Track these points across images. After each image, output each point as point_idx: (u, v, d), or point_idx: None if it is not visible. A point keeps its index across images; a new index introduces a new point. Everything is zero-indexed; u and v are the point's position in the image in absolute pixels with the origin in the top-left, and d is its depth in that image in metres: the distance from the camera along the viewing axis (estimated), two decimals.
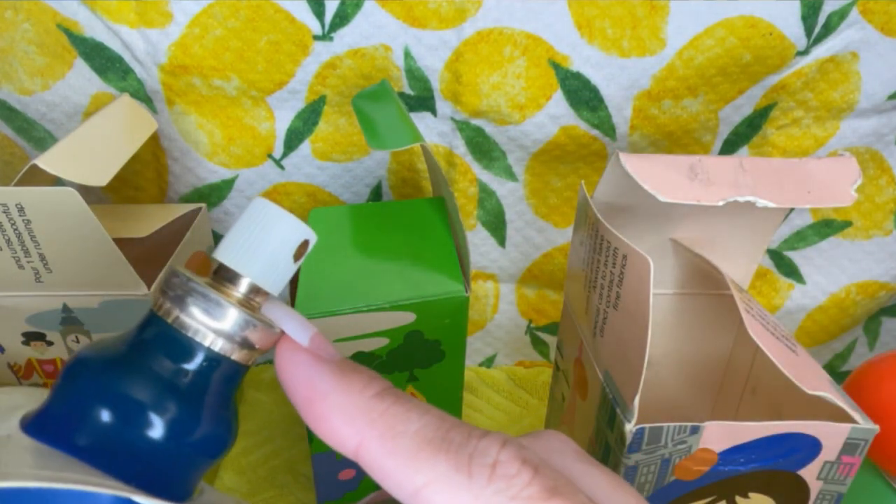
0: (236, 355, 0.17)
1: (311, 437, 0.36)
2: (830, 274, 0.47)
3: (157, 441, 0.16)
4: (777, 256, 0.47)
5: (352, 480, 0.39)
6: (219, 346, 0.17)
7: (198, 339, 0.16)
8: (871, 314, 0.50)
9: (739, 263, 0.33)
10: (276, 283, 0.17)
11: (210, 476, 0.41)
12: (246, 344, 0.17)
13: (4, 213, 0.29)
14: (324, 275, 0.33)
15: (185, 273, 0.17)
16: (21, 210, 0.29)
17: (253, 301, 0.17)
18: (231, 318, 0.16)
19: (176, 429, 0.16)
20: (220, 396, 0.17)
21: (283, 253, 0.17)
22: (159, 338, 0.17)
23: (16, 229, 0.29)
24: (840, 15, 0.38)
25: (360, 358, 0.33)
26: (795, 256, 0.47)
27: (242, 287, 0.17)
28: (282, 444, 0.45)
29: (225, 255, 0.17)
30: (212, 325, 0.16)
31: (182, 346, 0.16)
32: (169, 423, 0.16)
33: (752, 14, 0.38)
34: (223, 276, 0.17)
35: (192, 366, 0.17)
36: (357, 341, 0.33)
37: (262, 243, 0.17)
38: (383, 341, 0.33)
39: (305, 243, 0.17)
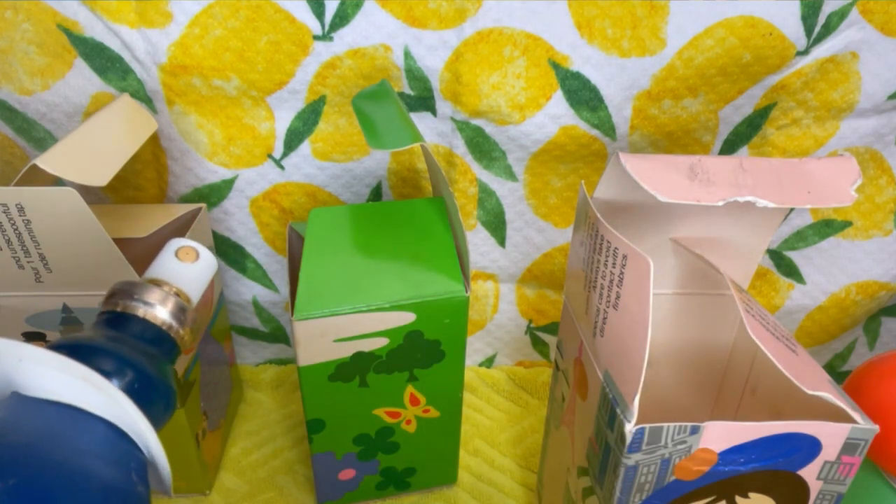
0: (169, 329, 0.23)
1: (310, 437, 0.36)
2: (830, 274, 0.47)
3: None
4: (777, 256, 0.47)
5: (351, 480, 0.39)
6: (152, 318, 0.22)
7: (135, 313, 0.22)
8: (871, 314, 0.50)
9: (739, 263, 0.33)
10: (177, 277, 0.24)
11: (210, 477, 0.41)
12: (178, 322, 0.23)
13: (4, 213, 0.29)
14: (324, 275, 0.33)
15: (126, 280, 0.23)
16: (21, 210, 0.29)
17: (179, 296, 0.24)
18: (156, 299, 0.23)
19: (131, 385, 0.21)
20: (161, 367, 0.22)
21: (170, 256, 0.24)
22: (114, 324, 0.22)
23: (16, 229, 0.29)
24: (840, 15, 0.38)
25: (360, 358, 0.33)
26: (795, 256, 0.47)
27: (165, 287, 0.24)
28: (282, 444, 0.45)
29: (146, 273, 0.24)
30: (143, 306, 0.22)
31: (125, 321, 0.22)
32: (127, 381, 0.20)
33: (752, 14, 0.38)
34: (153, 283, 0.24)
35: (129, 334, 0.22)
36: (357, 341, 0.33)
37: (161, 256, 0.25)
38: (383, 341, 0.33)
39: (186, 248, 0.24)
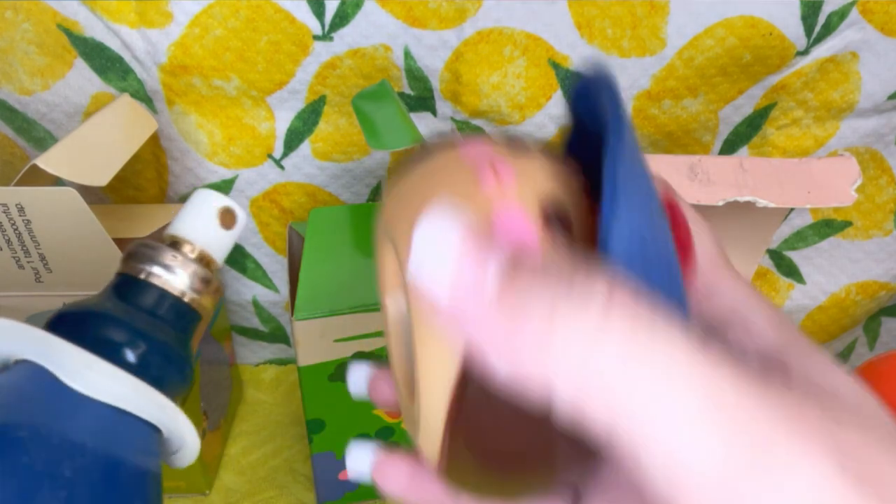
0: (187, 297, 0.21)
1: (310, 437, 0.36)
2: (830, 274, 0.47)
3: (131, 367, 0.19)
4: (777, 256, 0.47)
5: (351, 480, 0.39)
6: (169, 286, 0.21)
7: (151, 280, 0.21)
8: (871, 314, 0.50)
9: (739, 263, 0.33)
10: (206, 239, 0.21)
11: (210, 476, 0.41)
12: (197, 291, 0.21)
13: (4, 213, 0.29)
14: (324, 275, 0.33)
15: (145, 241, 0.21)
16: (21, 210, 0.29)
17: (202, 260, 0.21)
18: (176, 264, 0.21)
19: (145, 358, 0.20)
20: (178, 337, 0.21)
21: (206, 216, 0.21)
22: (128, 290, 0.21)
23: (16, 229, 0.29)
24: (840, 15, 0.38)
25: (360, 358, 0.33)
26: (795, 256, 0.47)
27: (187, 248, 0.21)
28: (281, 444, 0.45)
29: (171, 227, 0.22)
30: (161, 272, 0.21)
31: (141, 289, 0.21)
32: (140, 354, 0.20)
33: (752, 14, 0.38)
34: (174, 244, 0.22)
35: (152, 305, 0.20)
36: (357, 341, 0.33)
37: (191, 211, 0.22)
38: (383, 341, 0.33)
39: (227, 210, 0.22)
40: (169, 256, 0.21)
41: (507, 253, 0.12)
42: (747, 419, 0.10)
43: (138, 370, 0.19)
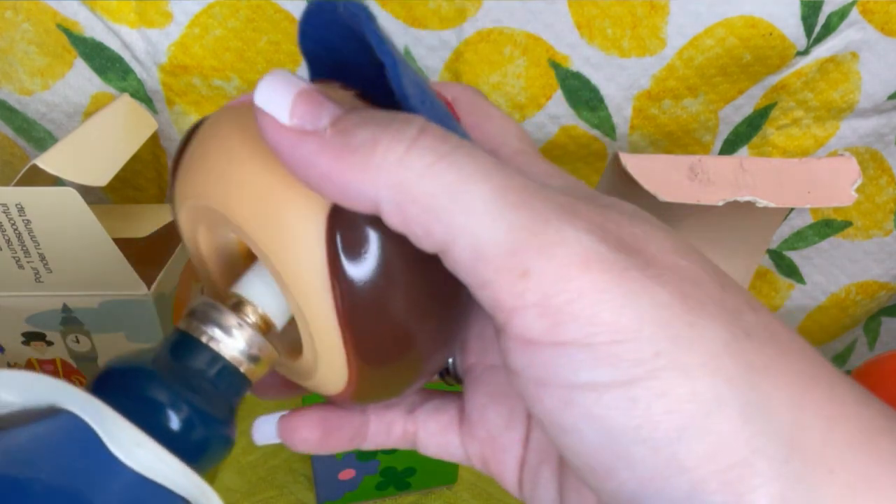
0: (243, 368, 0.21)
1: None
2: (830, 274, 0.47)
3: (173, 433, 0.19)
4: (777, 256, 0.47)
5: (351, 480, 0.39)
6: (229, 354, 0.20)
7: (211, 344, 0.20)
8: (871, 314, 0.50)
9: (739, 263, 0.33)
10: (270, 305, 0.21)
11: (209, 476, 0.41)
12: (251, 358, 0.21)
13: (4, 213, 0.29)
14: None
15: (209, 300, 0.21)
16: (21, 210, 0.29)
17: (262, 325, 0.21)
18: (238, 330, 0.20)
19: (191, 423, 0.20)
20: (227, 404, 0.21)
21: (268, 277, 0.20)
22: (183, 349, 0.20)
23: (16, 229, 0.29)
24: (840, 15, 0.38)
25: None
26: (795, 256, 0.47)
27: (249, 310, 0.21)
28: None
29: (237, 286, 0.21)
30: (223, 337, 0.20)
31: (199, 352, 0.20)
32: (186, 419, 0.19)
33: (752, 14, 0.38)
34: (237, 305, 0.21)
35: (205, 369, 0.20)
36: None
37: (262, 273, 0.21)
38: None
39: None
40: (234, 322, 0.20)
41: (337, 106, 0.15)
42: (526, 205, 0.14)
43: (182, 435, 0.19)
